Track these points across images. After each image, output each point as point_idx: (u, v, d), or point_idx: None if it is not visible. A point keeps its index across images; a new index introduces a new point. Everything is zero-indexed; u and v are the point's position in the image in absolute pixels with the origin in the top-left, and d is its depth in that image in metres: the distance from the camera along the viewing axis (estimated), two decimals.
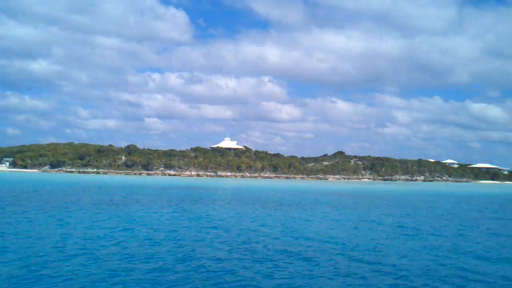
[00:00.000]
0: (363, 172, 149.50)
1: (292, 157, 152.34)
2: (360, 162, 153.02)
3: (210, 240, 20.73)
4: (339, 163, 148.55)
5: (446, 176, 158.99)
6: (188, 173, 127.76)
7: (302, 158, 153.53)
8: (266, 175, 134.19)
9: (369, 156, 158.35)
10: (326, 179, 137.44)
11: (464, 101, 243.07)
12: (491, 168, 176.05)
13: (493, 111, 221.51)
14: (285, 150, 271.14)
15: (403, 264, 16.68)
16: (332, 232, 24.26)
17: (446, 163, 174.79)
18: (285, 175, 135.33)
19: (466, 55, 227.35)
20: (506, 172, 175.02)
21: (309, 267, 15.97)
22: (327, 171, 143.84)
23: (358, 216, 33.33)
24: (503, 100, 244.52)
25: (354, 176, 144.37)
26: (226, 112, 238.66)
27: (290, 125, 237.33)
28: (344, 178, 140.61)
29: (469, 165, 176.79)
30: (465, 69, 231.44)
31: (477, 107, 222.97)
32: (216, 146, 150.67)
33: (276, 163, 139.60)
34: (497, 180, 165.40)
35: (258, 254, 17.81)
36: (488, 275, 15.48)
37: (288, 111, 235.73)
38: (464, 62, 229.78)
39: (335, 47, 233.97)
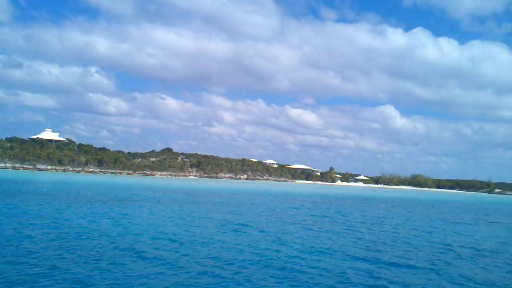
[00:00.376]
0: (190, 169, 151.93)
1: (118, 152, 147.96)
2: (187, 160, 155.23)
3: (33, 237, 19.32)
4: (166, 159, 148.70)
5: (267, 175, 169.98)
6: (2, 165, 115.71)
7: (129, 153, 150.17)
8: (90, 169, 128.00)
9: (196, 154, 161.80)
10: (153, 175, 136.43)
11: (284, 106, 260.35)
12: (306, 169, 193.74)
13: (309, 117, 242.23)
14: (112, 144, 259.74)
15: (234, 259, 17.63)
16: (164, 228, 24.45)
17: (267, 163, 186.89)
18: (110, 170, 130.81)
19: (286, 63, 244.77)
20: (318, 173, 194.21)
21: (142, 264, 15.99)
22: (154, 167, 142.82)
23: (188, 212, 34.00)
24: (318, 107, 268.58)
25: (181, 173, 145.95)
26: (47, 101, 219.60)
27: (117, 119, 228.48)
28: (171, 175, 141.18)
29: (287, 165, 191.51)
30: (286, 76, 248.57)
31: (295, 112, 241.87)
32: (35, 137, 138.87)
33: (102, 158, 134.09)
34: (310, 180, 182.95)
35: (88, 252, 17.20)
36: (308, 266, 17.20)
37: (115, 104, 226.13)
38: (284, 69, 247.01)
39: (165, 44, 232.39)
